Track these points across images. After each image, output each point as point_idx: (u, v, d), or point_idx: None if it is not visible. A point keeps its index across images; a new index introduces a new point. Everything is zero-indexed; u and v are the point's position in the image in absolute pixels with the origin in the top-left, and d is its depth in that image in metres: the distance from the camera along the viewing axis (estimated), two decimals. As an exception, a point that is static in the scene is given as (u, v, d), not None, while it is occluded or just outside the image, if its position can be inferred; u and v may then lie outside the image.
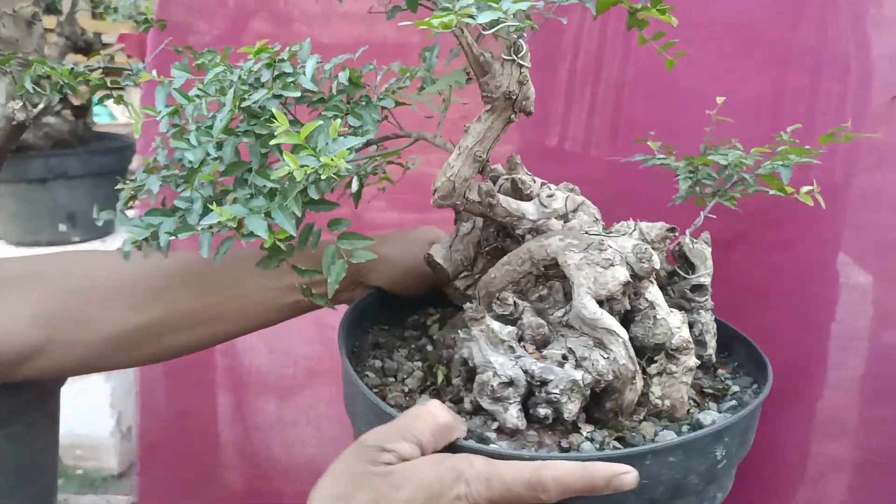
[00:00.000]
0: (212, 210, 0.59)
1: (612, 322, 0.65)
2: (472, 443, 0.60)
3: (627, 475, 0.56)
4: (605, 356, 0.64)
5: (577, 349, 0.65)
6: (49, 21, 2.00)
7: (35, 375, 0.80)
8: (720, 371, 0.78)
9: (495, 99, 0.68)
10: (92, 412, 2.02)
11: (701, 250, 0.75)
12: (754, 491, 1.18)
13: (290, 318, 0.87)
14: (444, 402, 0.69)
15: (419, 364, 0.77)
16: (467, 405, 0.67)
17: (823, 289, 1.13)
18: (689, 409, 0.70)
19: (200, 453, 1.57)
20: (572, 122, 1.20)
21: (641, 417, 0.68)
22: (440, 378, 0.73)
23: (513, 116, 0.71)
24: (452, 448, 0.60)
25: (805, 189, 0.75)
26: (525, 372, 0.63)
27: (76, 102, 1.89)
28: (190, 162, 0.66)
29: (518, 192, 0.77)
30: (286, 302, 0.85)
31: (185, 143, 0.67)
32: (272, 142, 0.60)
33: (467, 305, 0.67)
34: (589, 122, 1.17)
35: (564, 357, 0.65)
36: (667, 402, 0.69)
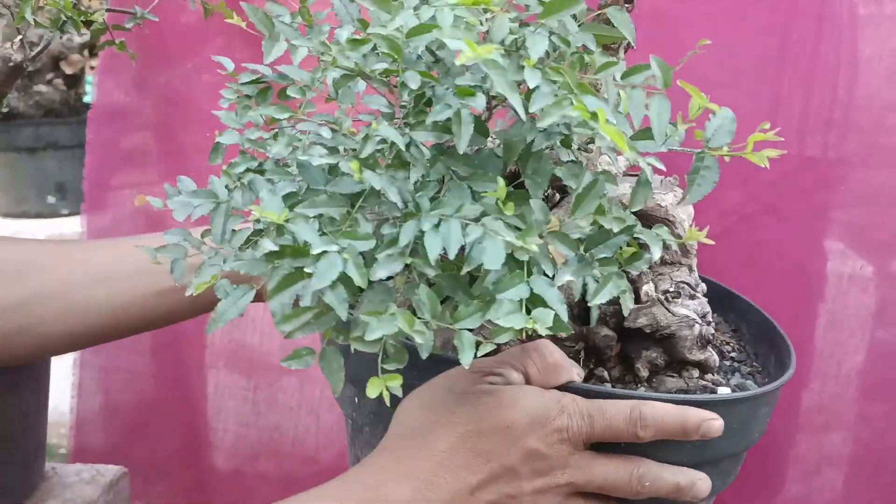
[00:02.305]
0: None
1: None
2: (580, 385, 0.59)
3: (717, 421, 0.57)
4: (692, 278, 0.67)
5: (688, 280, 0.66)
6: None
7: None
8: None
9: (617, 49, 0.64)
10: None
11: None
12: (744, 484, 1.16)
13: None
14: None
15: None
16: (641, 371, 0.65)
17: (813, 266, 1.10)
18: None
19: (186, 434, 1.53)
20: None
21: None
22: None
23: None
24: (562, 391, 0.58)
25: None
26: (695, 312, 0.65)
27: (69, 71, 1.85)
28: None
29: None
30: None
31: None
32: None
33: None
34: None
35: (690, 290, 0.66)
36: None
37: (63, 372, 1.93)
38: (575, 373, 0.59)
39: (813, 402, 1.13)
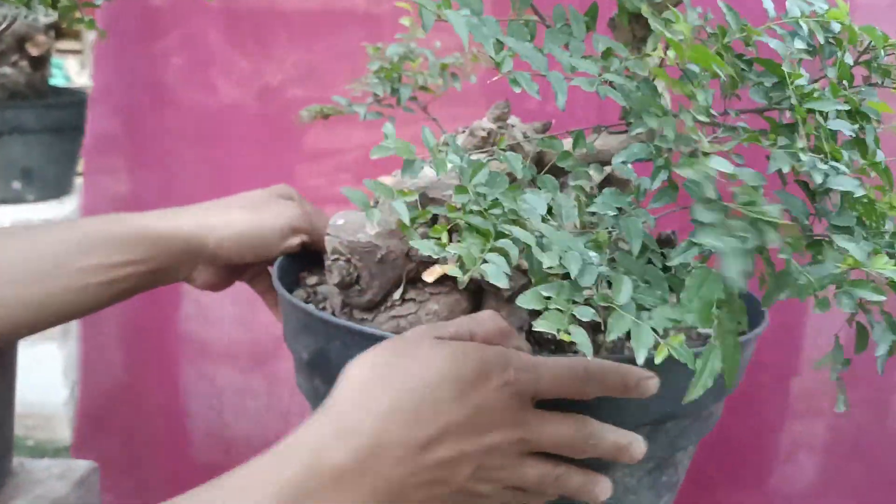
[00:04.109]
0: None
1: None
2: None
3: (654, 380, 0.56)
4: None
5: None
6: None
7: None
8: None
9: None
10: (45, 381, 1.93)
11: None
12: (725, 470, 1.16)
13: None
14: None
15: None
16: None
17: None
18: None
19: (155, 426, 1.50)
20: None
21: None
22: None
23: None
24: None
25: None
26: None
27: (34, 53, 1.79)
28: None
29: None
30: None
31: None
32: None
33: None
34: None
35: None
36: None
37: (28, 364, 1.89)
38: (523, 341, 0.60)
39: (800, 390, 1.14)
